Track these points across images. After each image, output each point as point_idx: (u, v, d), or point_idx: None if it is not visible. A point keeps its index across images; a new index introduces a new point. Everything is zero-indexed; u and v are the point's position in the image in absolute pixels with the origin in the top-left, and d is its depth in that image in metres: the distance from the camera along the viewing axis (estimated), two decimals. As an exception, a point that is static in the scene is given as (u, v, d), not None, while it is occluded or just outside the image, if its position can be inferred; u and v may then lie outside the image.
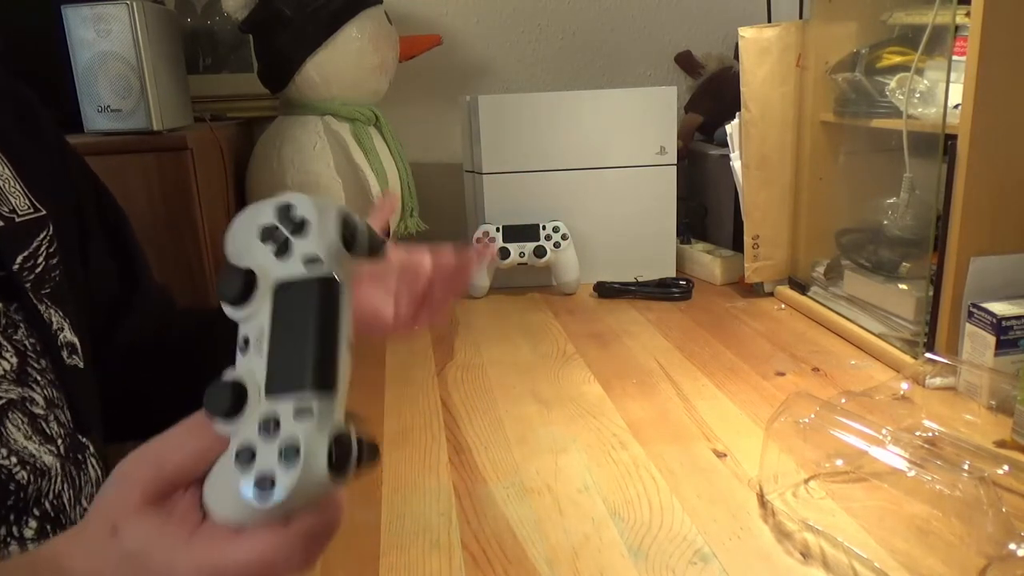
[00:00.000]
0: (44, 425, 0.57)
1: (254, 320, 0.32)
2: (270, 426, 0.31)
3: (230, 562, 0.32)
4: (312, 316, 0.31)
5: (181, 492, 0.35)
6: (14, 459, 0.54)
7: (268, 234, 0.32)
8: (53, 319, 0.59)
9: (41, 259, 0.59)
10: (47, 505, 0.56)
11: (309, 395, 0.30)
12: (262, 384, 0.31)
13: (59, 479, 0.57)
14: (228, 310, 0.33)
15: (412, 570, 0.60)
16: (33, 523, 0.55)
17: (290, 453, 0.30)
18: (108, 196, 0.72)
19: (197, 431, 0.34)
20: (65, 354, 0.60)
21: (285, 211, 0.32)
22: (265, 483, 0.30)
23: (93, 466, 0.61)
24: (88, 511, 0.36)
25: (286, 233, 0.32)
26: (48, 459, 0.56)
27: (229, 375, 0.32)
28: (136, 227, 1.12)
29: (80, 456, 0.60)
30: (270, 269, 0.32)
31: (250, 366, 0.32)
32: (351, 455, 0.31)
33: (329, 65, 1.28)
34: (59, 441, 0.57)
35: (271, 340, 0.32)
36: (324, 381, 0.31)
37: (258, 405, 0.31)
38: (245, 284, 0.32)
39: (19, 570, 0.38)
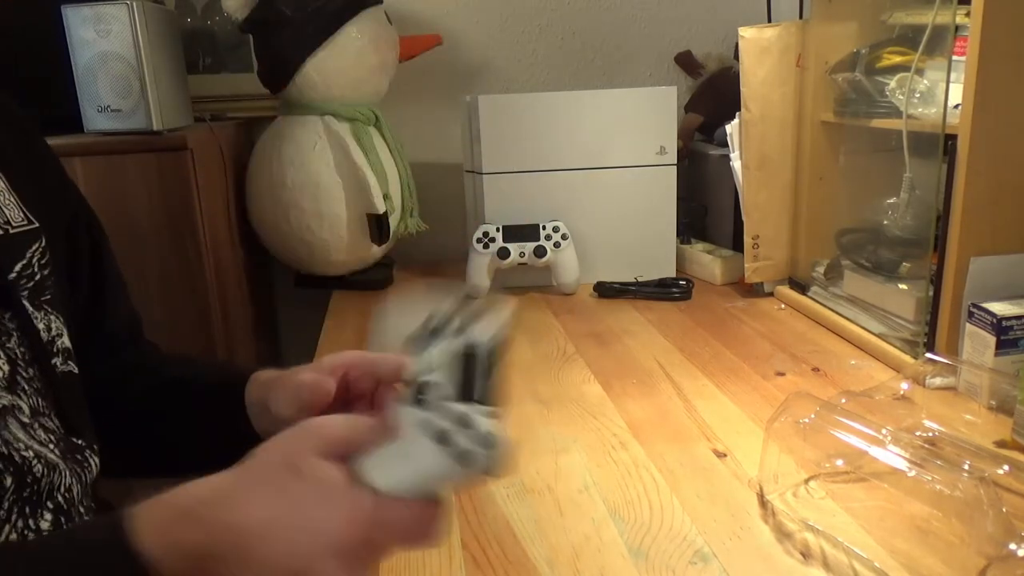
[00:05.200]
0: (31, 432, 0.57)
1: (434, 356, 0.45)
2: (465, 421, 0.42)
3: (393, 515, 0.42)
4: (495, 367, 0.45)
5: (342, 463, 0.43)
6: (31, 453, 0.54)
7: (447, 319, 0.47)
8: (53, 325, 0.60)
9: (36, 268, 0.60)
10: (59, 498, 0.57)
11: (499, 411, 0.43)
12: (452, 393, 0.43)
13: (67, 474, 0.58)
14: (415, 341, 0.46)
15: (412, 570, 0.60)
16: (48, 515, 0.56)
17: (490, 441, 0.42)
18: (95, 219, 0.72)
19: (368, 421, 0.44)
20: (59, 360, 0.60)
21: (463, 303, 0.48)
22: (465, 458, 0.41)
23: (91, 459, 0.62)
24: (252, 455, 0.44)
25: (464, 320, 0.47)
26: (52, 457, 0.57)
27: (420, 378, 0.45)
28: (136, 227, 1.13)
29: (80, 456, 0.60)
30: (453, 337, 0.46)
31: (434, 380, 0.44)
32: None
33: (329, 65, 1.28)
34: (52, 446, 0.58)
35: (463, 371, 0.44)
36: (502, 408, 0.44)
37: (440, 407, 0.43)
38: (431, 331, 0.46)
39: (178, 522, 0.42)
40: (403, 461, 0.43)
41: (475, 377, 0.45)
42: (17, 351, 0.57)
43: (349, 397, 0.59)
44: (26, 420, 0.56)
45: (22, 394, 0.56)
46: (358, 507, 0.41)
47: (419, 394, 0.44)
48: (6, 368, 0.55)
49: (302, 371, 0.60)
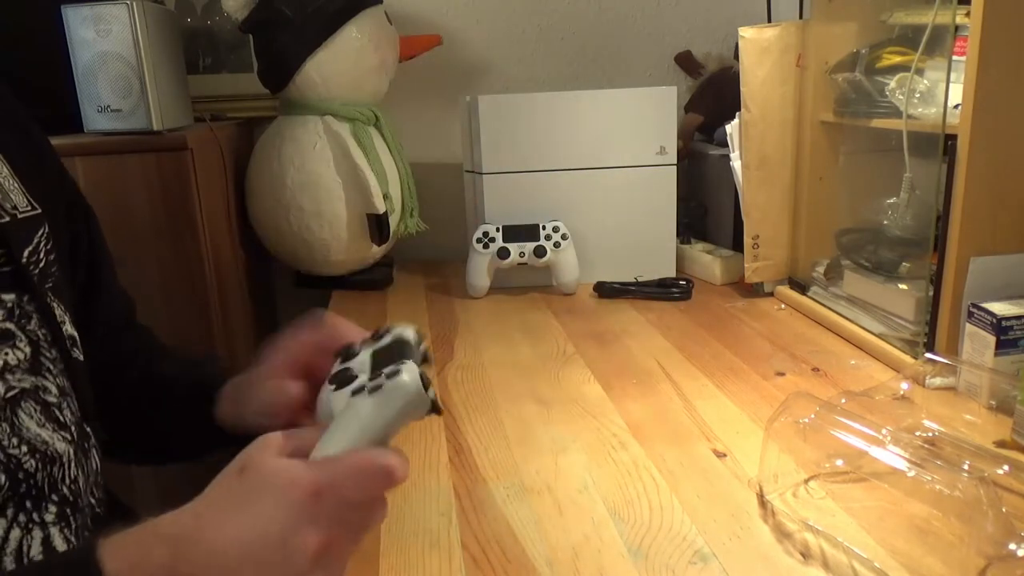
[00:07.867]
0: (58, 413, 0.58)
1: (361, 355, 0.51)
2: (377, 370, 0.46)
3: (339, 469, 0.42)
4: (421, 347, 0.51)
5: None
6: (24, 448, 0.54)
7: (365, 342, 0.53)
8: (56, 312, 0.60)
9: (42, 255, 0.60)
10: (65, 490, 0.57)
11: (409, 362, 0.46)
12: (370, 366, 0.49)
13: (72, 464, 0.58)
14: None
15: (412, 570, 0.60)
16: (53, 508, 0.56)
17: (401, 372, 0.45)
18: (88, 205, 0.73)
19: (308, 428, 0.47)
20: (68, 345, 0.61)
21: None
22: (383, 392, 0.44)
23: (95, 455, 0.62)
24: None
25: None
26: (61, 446, 0.57)
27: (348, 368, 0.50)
28: (136, 227, 1.13)
29: (86, 444, 0.61)
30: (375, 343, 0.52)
31: (355, 363, 0.50)
32: (430, 386, 0.46)
33: (329, 65, 1.28)
34: (72, 428, 0.59)
35: (390, 351, 0.50)
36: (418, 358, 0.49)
37: (361, 373, 0.48)
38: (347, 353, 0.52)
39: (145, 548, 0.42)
40: (341, 429, 0.45)
41: (404, 353, 0.48)
42: (39, 332, 0.57)
43: (315, 381, 0.59)
44: (53, 400, 0.57)
45: (47, 375, 0.57)
46: (301, 477, 0.41)
47: (343, 380, 0.48)
48: (27, 350, 0.56)
49: (262, 377, 0.60)
